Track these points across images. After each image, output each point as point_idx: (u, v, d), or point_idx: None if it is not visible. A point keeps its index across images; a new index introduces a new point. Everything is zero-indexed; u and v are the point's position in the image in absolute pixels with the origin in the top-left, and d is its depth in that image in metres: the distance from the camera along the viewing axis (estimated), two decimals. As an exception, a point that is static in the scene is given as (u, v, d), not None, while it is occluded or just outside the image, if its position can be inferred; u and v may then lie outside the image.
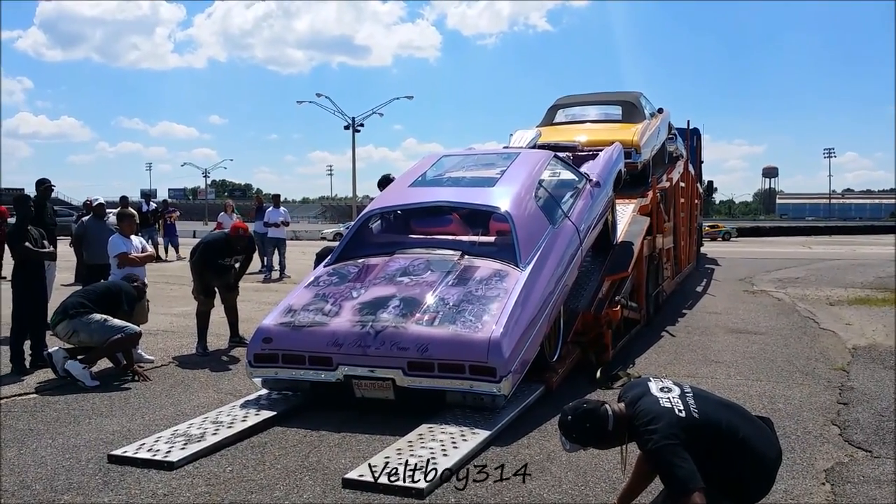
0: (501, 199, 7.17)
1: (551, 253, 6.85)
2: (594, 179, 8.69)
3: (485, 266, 6.57)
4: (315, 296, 6.53)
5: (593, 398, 4.09)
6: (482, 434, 5.23)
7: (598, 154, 9.84)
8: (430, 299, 6.15)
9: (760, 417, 3.92)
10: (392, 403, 5.85)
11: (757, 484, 3.64)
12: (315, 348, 5.96)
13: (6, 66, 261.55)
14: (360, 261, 7.01)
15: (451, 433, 5.21)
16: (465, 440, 5.09)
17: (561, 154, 8.95)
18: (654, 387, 3.73)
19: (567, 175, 8.59)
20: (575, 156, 9.85)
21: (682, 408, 3.55)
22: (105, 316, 7.26)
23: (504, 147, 10.11)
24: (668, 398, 3.61)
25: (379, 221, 8.05)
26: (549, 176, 8.25)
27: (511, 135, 11.53)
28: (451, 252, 6.87)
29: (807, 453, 5.11)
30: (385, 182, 9.19)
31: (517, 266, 6.48)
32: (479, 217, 7.45)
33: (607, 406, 3.69)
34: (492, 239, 7.16)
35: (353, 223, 7.75)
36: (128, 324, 7.33)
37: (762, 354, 8.45)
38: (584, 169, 9.00)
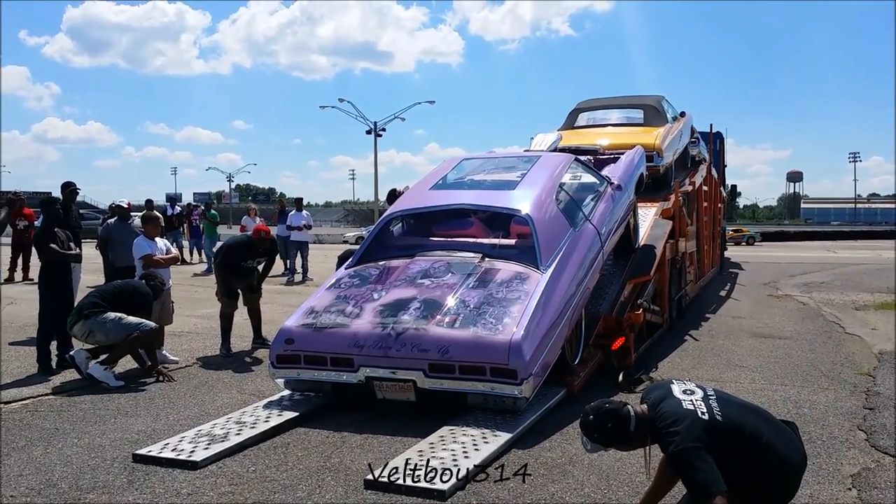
0: (522, 201, 7.16)
1: (572, 256, 6.83)
2: (616, 182, 8.66)
3: (505, 268, 6.56)
4: (336, 297, 6.54)
5: (614, 399, 4.06)
6: (504, 436, 5.22)
7: (619, 157, 9.82)
8: (450, 301, 6.15)
9: (785, 422, 3.87)
10: (413, 405, 5.85)
11: (781, 488, 3.61)
12: (337, 350, 5.97)
13: (34, 73, 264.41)
14: (381, 263, 7.01)
15: (472, 435, 5.21)
16: (486, 442, 5.09)
17: (582, 157, 8.94)
18: (676, 389, 3.70)
19: (588, 178, 8.57)
20: (596, 159, 9.83)
21: (704, 410, 3.52)
22: (120, 314, 7.30)
23: (525, 150, 10.12)
24: (691, 400, 3.58)
25: (400, 224, 8.07)
26: (570, 179, 8.24)
27: (532, 138, 11.52)
28: (471, 254, 6.86)
29: (833, 458, 5.06)
30: (392, 196, 9.24)
31: (538, 269, 6.46)
32: (499, 220, 7.44)
33: (630, 407, 3.67)
34: (512, 242, 7.15)
35: (374, 226, 7.76)
36: (143, 320, 7.36)
37: (787, 359, 8.38)
38: (605, 172, 8.98)
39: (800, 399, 6.62)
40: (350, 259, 7.35)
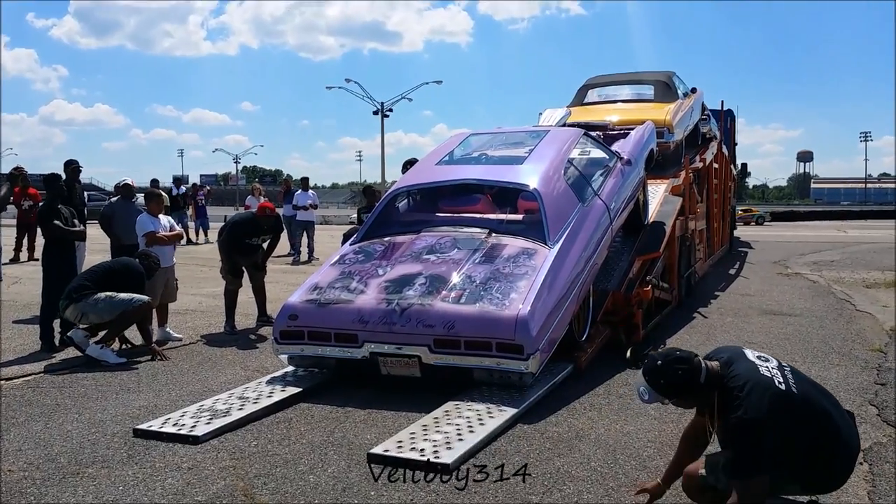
0: (530, 176, 7.05)
1: (580, 231, 6.73)
2: (625, 158, 8.54)
3: (512, 244, 6.47)
4: (341, 273, 6.47)
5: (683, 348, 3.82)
6: (509, 411, 5.15)
7: (629, 133, 9.69)
8: (456, 277, 6.06)
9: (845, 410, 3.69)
10: (418, 381, 5.78)
11: (841, 473, 3.44)
12: (341, 325, 5.91)
13: (42, 55, 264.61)
14: (386, 239, 6.93)
15: (477, 410, 5.14)
16: (491, 417, 5.02)
17: (591, 133, 8.81)
18: (750, 353, 3.50)
19: (597, 153, 8.46)
20: (605, 135, 9.73)
21: (781, 380, 3.33)
22: (110, 293, 7.18)
23: (533, 126, 9.99)
24: (768, 367, 3.38)
25: (406, 200, 7.98)
26: (578, 154, 8.12)
27: (540, 114, 11.39)
28: (478, 230, 6.78)
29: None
30: (410, 166, 9.13)
31: (545, 244, 6.37)
32: (507, 195, 7.34)
33: (700, 358, 3.46)
34: (520, 217, 7.05)
35: (379, 202, 7.66)
36: (135, 295, 7.25)
37: (797, 336, 8.28)
38: (615, 148, 8.85)
39: (810, 375, 6.42)
40: (355, 235, 7.26)
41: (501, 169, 7.59)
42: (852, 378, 6.40)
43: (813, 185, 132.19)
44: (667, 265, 9.43)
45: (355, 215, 11.19)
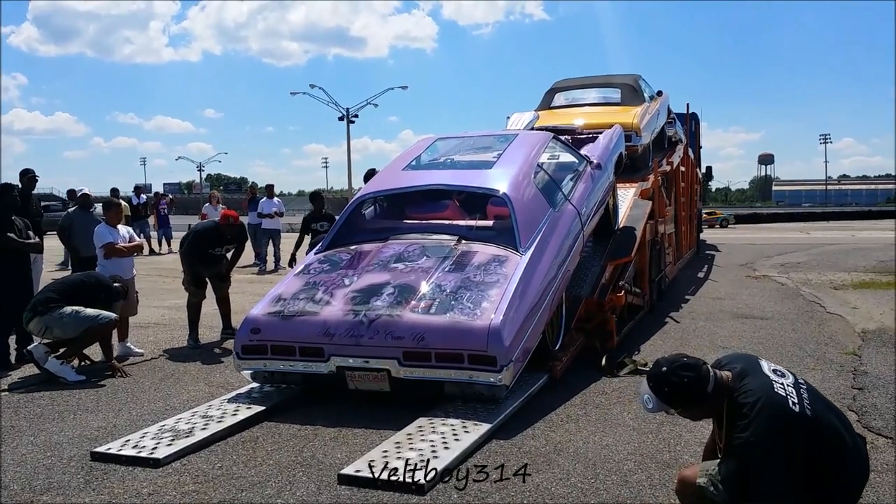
0: (499, 181, 6.86)
1: (552, 237, 6.57)
2: (595, 162, 8.42)
3: (483, 251, 6.29)
4: (305, 284, 6.24)
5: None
6: (484, 426, 4.97)
7: (597, 137, 9.59)
8: (426, 286, 5.87)
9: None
10: (389, 396, 5.58)
11: (842, 501, 3.25)
12: (305, 339, 5.67)
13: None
14: (352, 247, 6.71)
15: (451, 425, 4.97)
16: (466, 432, 4.85)
17: (560, 136, 8.70)
18: (766, 366, 3.31)
19: (567, 157, 8.34)
20: (574, 139, 9.61)
21: (796, 401, 3.13)
22: (77, 308, 6.94)
23: (501, 131, 9.85)
24: (783, 385, 3.18)
25: (372, 207, 7.79)
26: (548, 158, 8.01)
27: (508, 118, 11.26)
28: (447, 237, 6.59)
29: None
30: (370, 176, 8.94)
31: (517, 251, 6.19)
32: (476, 200, 7.19)
33: (708, 366, 3.29)
34: (490, 223, 6.89)
35: (344, 209, 7.47)
36: (102, 312, 7.01)
37: (770, 339, 8.22)
38: (583, 152, 8.74)
39: (787, 380, 6.43)
40: (320, 244, 7.06)
41: (470, 174, 7.42)
42: (829, 382, 6.32)
43: (774, 188, 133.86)
44: (638, 270, 9.34)
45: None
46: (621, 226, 9.28)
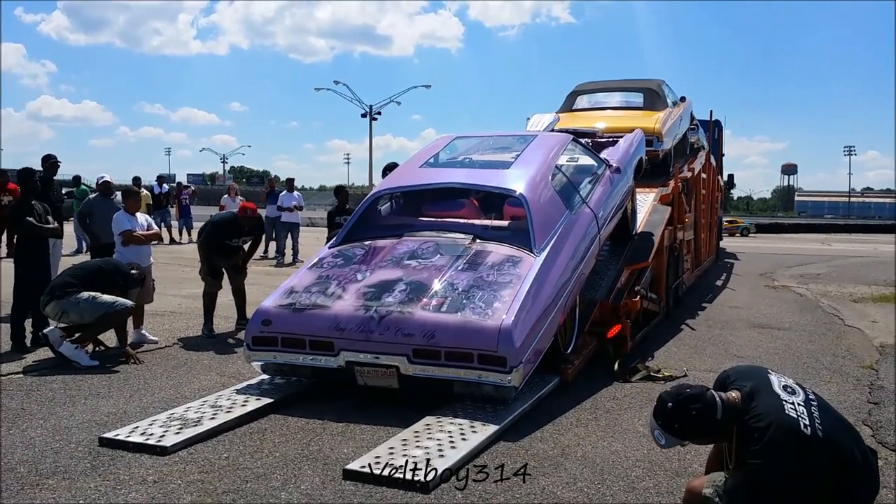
0: (516, 181, 6.80)
1: (567, 239, 6.49)
2: (614, 165, 8.33)
3: (497, 251, 6.23)
4: (318, 277, 6.20)
5: (692, 383, 3.63)
6: (491, 427, 4.95)
7: (618, 141, 9.52)
8: (438, 284, 5.81)
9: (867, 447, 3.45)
10: (399, 392, 5.56)
11: None
12: (316, 332, 5.65)
13: (30, 50, 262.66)
14: (366, 243, 6.67)
15: (459, 424, 4.94)
16: (474, 432, 4.82)
17: (580, 139, 8.64)
18: (775, 382, 3.24)
19: (586, 160, 8.26)
20: (594, 142, 9.54)
21: (808, 423, 3.07)
22: (94, 293, 6.99)
23: (521, 131, 9.81)
24: (794, 404, 3.12)
25: (388, 203, 7.75)
26: (567, 160, 7.91)
27: (528, 119, 11.21)
28: (462, 236, 6.53)
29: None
30: (390, 170, 8.89)
31: (531, 251, 6.12)
32: (492, 200, 7.14)
33: (713, 392, 3.24)
34: (505, 223, 6.84)
35: (360, 204, 7.43)
36: (118, 299, 7.06)
37: (786, 350, 8.14)
38: (603, 155, 8.68)
39: (801, 392, 6.36)
40: (334, 238, 7.05)
41: (487, 173, 7.36)
42: (844, 396, 6.24)
43: (797, 198, 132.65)
44: (655, 275, 9.28)
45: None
46: (639, 230, 9.22)
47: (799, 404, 3.14)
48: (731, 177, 22.91)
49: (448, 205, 7.23)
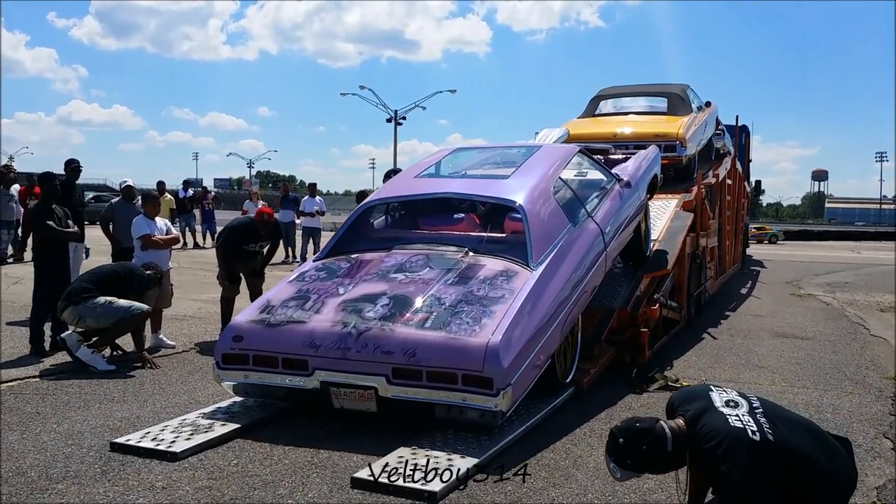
0: (514, 191, 6.34)
1: (569, 253, 6.04)
2: (625, 180, 7.87)
3: (491, 264, 5.76)
4: (297, 291, 5.76)
5: (643, 415, 3.70)
6: (507, 434, 4.91)
7: (630, 158, 9.22)
8: (423, 298, 5.35)
9: (838, 437, 3.41)
10: (374, 417, 5.12)
11: None
12: (289, 349, 5.18)
13: (62, 55, 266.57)
14: (353, 256, 6.22)
15: (472, 432, 4.89)
16: (487, 440, 4.79)
17: (589, 150, 8.34)
18: (717, 399, 3.24)
19: (594, 174, 7.78)
20: (607, 159, 9.21)
21: (755, 429, 3.07)
22: (110, 298, 7.03)
23: (526, 143, 9.63)
24: (738, 415, 3.12)
25: (383, 216, 7.40)
26: (574, 173, 7.52)
27: (537, 133, 11.12)
28: (455, 249, 6.10)
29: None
30: (391, 176, 8.67)
31: (527, 265, 5.66)
32: (493, 214, 6.73)
33: (662, 423, 3.22)
34: (502, 235, 6.39)
35: (349, 215, 7.06)
36: (134, 303, 7.10)
37: (809, 360, 8.01)
38: (616, 170, 8.18)
39: (822, 403, 6.26)
40: (320, 251, 6.80)
41: (484, 183, 6.90)
42: (866, 408, 6.13)
43: (827, 205, 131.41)
44: (676, 283, 9.17)
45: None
46: (661, 237, 9.09)
47: (743, 414, 3.16)
48: (758, 183, 22.74)
49: (446, 219, 6.89)
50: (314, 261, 6.45)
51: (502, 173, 7.00)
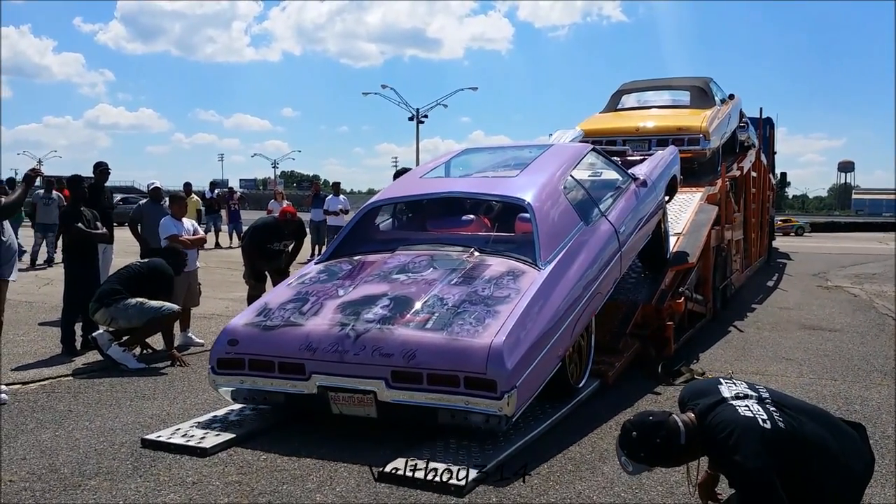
0: (522, 189, 6.11)
1: (580, 253, 5.79)
2: (641, 179, 7.53)
3: (497, 263, 5.54)
4: (296, 293, 5.56)
5: (656, 409, 3.71)
6: (535, 426, 4.95)
7: (647, 158, 9.07)
8: (425, 299, 5.14)
9: (851, 423, 3.39)
10: (374, 422, 4.93)
11: (841, 501, 3.17)
12: (285, 353, 5.00)
13: (89, 60, 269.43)
14: (356, 258, 6.03)
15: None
16: (517, 431, 4.81)
17: (601, 147, 8.19)
18: (726, 391, 3.25)
19: (609, 173, 7.60)
20: (624, 160, 9.09)
21: (765, 417, 3.08)
22: (140, 299, 7.14)
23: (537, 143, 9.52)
24: (748, 406, 3.13)
25: (390, 218, 7.23)
26: (587, 172, 7.34)
27: (550, 135, 11.09)
28: (460, 249, 5.89)
29: (885, 459, 4.65)
30: (400, 175, 8.57)
31: (535, 265, 5.43)
32: (501, 213, 6.56)
33: (675, 416, 3.23)
34: (510, 235, 6.19)
35: (352, 217, 6.85)
36: (165, 304, 7.22)
37: (837, 352, 7.95)
38: (633, 170, 7.95)
39: (850, 395, 6.22)
40: (321, 253, 6.71)
41: (492, 182, 6.68)
42: (894, 399, 6.08)
43: (854, 196, 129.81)
44: (701, 276, 9.13)
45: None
46: (685, 232, 9.04)
47: (753, 405, 3.17)
48: (783, 175, 22.66)
49: (454, 221, 6.64)
50: (316, 263, 6.26)
51: (511, 171, 6.82)
